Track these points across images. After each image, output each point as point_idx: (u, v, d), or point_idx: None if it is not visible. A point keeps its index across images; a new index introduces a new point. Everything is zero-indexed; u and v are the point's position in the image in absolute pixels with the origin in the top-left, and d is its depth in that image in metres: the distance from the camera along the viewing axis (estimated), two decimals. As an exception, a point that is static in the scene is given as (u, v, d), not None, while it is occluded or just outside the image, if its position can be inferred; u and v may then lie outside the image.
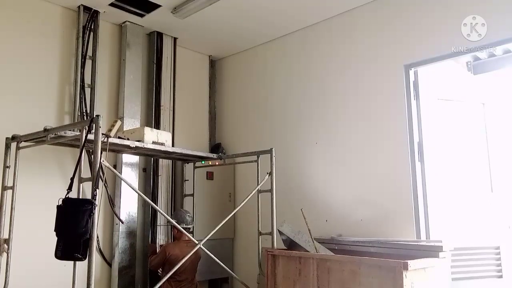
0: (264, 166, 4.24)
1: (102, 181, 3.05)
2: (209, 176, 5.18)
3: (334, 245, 3.82)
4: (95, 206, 2.79)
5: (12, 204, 3.54)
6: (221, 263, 4.13)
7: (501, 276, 3.79)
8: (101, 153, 2.97)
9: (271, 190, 4.10)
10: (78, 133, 3.31)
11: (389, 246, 3.49)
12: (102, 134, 3.09)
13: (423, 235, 3.71)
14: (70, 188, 2.95)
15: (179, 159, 4.98)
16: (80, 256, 2.74)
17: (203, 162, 4.97)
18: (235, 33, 5.07)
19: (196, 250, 3.98)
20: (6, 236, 3.54)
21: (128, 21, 4.74)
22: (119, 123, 4.00)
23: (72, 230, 2.72)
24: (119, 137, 3.89)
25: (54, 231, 2.81)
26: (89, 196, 2.88)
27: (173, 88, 5.12)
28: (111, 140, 3.50)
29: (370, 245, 3.59)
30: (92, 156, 3.03)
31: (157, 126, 4.84)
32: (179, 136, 5.12)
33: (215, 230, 4.01)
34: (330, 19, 4.63)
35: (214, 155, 4.79)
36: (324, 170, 4.49)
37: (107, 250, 4.45)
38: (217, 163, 4.99)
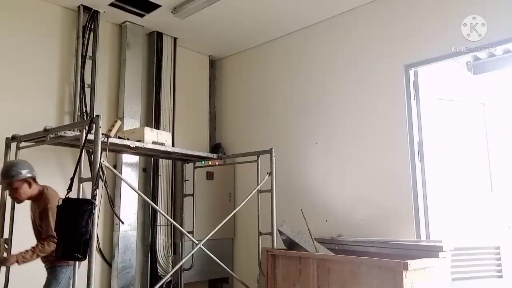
0: (264, 166, 4.24)
1: (102, 181, 3.03)
2: (209, 176, 5.18)
3: (334, 245, 3.82)
4: (95, 206, 2.79)
5: (12, 204, 3.54)
6: (221, 263, 4.14)
7: (501, 276, 3.79)
8: (101, 153, 2.97)
9: (271, 190, 4.10)
10: (78, 133, 3.31)
11: (389, 246, 3.49)
12: (102, 134, 3.09)
13: (423, 235, 3.71)
14: (70, 188, 2.95)
15: (179, 159, 4.97)
16: (80, 256, 2.74)
17: (203, 162, 4.97)
18: (235, 33, 5.07)
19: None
20: (6, 236, 3.55)
21: (128, 21, 4.74)
22: (119, 123, 4.00)
23: (72, 230, 2.72)
24: (119, 137, 3.89)
25: (54, 231, 2.81)
26: (89, 196, 2.88)
27: (173, 88, 5.12)
28: (111, 140, 3.50)
29: (370, 245, 3.59)
30: (92, 156, 3.03)
31: (157, 126, 4.85)
32: (179, 136, 5.12)
33: (215, 230, 4.01)
34: (330, 19, 4.63)
35: (214, 155, 4.79)
36: (324, 170, 4.49)
37: (107, 250, 4.45)
38: (217, 163, 4.99)
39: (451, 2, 3.77)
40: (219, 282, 5.25)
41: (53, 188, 3.31)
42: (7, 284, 3.47)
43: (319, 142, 4.58)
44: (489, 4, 3.56)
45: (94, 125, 2.95)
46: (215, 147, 5.50)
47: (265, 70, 5.26)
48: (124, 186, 4.41)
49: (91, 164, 3.31)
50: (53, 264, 3.18)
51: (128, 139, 3.92)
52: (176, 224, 4.06)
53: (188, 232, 4.24)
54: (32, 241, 3.80)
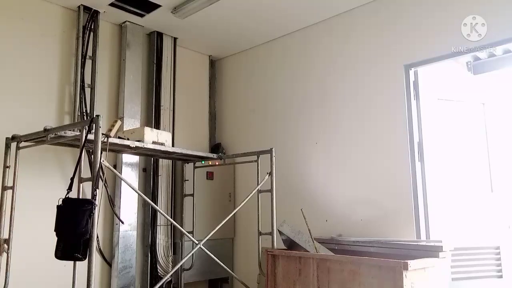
0: (264, 166, 4.24)
1: (102, 181, 3.05)
2: (209, 176, 5.18)
3: (334, 245, 3.82)
4: (95, 206, 2.79)
5: (12, 204, 3.54)
6: (221, 263, 4.14)
7: (501, 276, 3.79)
8: (101, 153, 2.97)
9: (271, 190, 4.09)
10: (78, 133, 3.31)
11: (389, 246, 3.49)
12: (102, 134, 3.09)
13: (423, 235, 3.71)
14: (70, 188, 2.95)
15: (179, 159, 4.97)
16: (80, 256, 2.74)
17: (203, 162, 4.97)
18: (235, 33, 5.07)
19: None
20: (6, 236, 3.54)
21: (128, 21, 4.74)
22: (119, 123, 4.00)
23: (72, 230, 2.72)
24: (119, 137, 3.89)
25: (54, 231, 2.81)
26: (89, 196, 2.88)
27: (173, 88, 5.12)
28: (111, 140, 3.50)
29: (370, 245, 3.59)
30: (92, 156, 3.03)
31: (157, 126, 4.85)
32: (179, 136, 5.12)
33: (215, 230, 4.01)
34: (330, 19, 4.63)
35: (214, 155, 4.79)
36: (324, 170, 4.49)
37: (107, 250, 4.45)
38: (217, 163, 4.99)
39: (451, 2, 3.77)
40: (219, 282, 5.24)
41: None
42: (7, 283, 3.47)
43: (319, 142, 4.58)
44: (489, 4, 3.55)
45: (94, 125, 2.95)
46: (215, 147, 5.50)
47: (265, 70, 5.26)
48: (124, 186, 4.41)
49: (91, 164, 3.32)
50: None
51: (128, 139, 3.93)
52: (176, 224, 4.06)
53: (188, 232, 4.24)
54: (32, 241, 3.82)
